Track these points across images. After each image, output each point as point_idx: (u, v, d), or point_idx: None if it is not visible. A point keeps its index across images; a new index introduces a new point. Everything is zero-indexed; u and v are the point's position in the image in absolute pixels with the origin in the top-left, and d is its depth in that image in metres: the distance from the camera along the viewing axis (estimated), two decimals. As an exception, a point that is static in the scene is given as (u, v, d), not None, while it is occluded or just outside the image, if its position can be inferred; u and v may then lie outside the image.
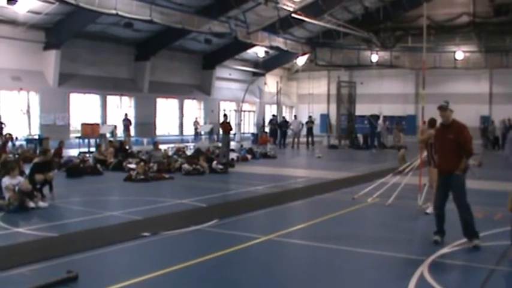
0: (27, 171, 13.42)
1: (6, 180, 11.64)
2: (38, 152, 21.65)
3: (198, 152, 23.12)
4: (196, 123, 42.84)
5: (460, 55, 46.43)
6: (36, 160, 13.96)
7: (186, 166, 18.82)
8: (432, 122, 12.13)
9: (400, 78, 51.14)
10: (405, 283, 6.76)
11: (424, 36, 14.02)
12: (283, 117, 42.03)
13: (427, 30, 14.53)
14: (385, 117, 35.34)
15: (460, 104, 43.04)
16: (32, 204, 11.49)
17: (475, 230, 8.56)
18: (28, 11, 30.49)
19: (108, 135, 28.57)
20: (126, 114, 34.76)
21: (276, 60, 51.68)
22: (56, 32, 33.25)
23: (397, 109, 48.93)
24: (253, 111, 53.15)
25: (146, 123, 40.36)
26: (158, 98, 42.49)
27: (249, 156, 25.15)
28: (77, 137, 28.22)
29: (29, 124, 32.28)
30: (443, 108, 8.85)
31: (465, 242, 8.65)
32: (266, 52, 48.84)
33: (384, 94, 50.36)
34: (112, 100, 38.80)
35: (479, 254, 8.26)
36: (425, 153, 12.12)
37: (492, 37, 45.75)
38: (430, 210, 11.43)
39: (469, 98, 44.24)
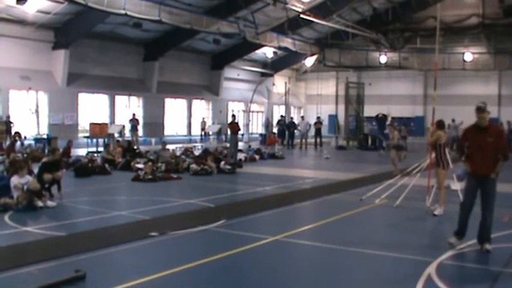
0: (35, 170, 13.47)
1: (15, 180, 11.68)
2: (46, 151, 21.75)
3: (206, 152, 23.13)
4: (203, 123, 42.88)
5: (468, 56, 46.24)
6: (44, 159, 14.01)
7: (194, 166, 18.82)
8: (441, 124, 12.09)
9: (409, 80, 51.04)
10: (413, 284, 6.74)
11: (437, 37, 13.94)
12: (291, 118, 42.00)
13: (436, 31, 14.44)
14: (393, 118, 35.19)
15: (468, 105, 42.79)
16: (40, 204, 11.52)
17: (490, 235, 8.47)
18: (37, 11, 30.65)
19: (116, 135, 28.64)
20: (133, 114, 34.83)
21: (285, 61, 51.67)
22: (64, 31, 33.41)
23: (405, 110, 48.85)
24: (262, 112, 53.16)
25: (154, 123, 40.47)
26: (166, 98, 42.62)
27: (257, 157, 25.09)
28: (85, 137, 28.30)
29: (38, 123, 32.43)
30: (481, 110, 8.47)
31: (473, 244, 8.61)
32: (274, 53, 48.81)
33: (392, 95, 50.23)
34: (120, 100, 38.93)
35: (487, 256, 8.22)
36: (433, 155, 12.08)
37: (501, 38, 45.55)
38: (438, 211, 11.41)
39: (478, 100, 43.27)
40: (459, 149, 9.03)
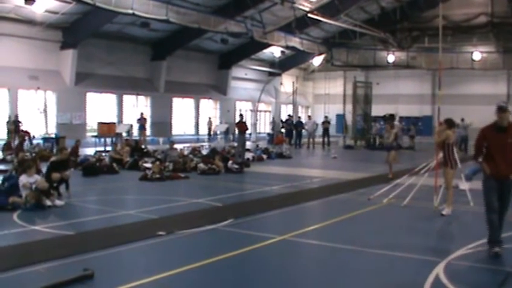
0: (44, 169, 13.51)
1: (24, 179, 11.73)
2: (54, 150, 21.82)
3: (213, 151, 23.14)
4: (209, 123, 42.89)
5: (477, 56, 46.02)
6: (53, 159, 14.06)
7: (201, 165, 18.84)
8: (450, 123, 11.99)
9: (417, 79, 50.89)
10: (421, 284, 6.72)
11: (440, 36, 13.88)
12: (299, 118, 41.96)
13: (444, 30, 14.37)
14: (401, 118, 35.07)
15: (477, 105, 42.84)
16: (48, 203, 11.56)
17: (501, 236, 8.38)
18: (45, 11, 30.79)
19: (124, 134, 28.71)
20: (141, 114, 34.92)
21: (292, 60, 51.64)
22: (72, 31, 33.51)
23: (413, 110, 48.71)
24: (269, 111, 53.14)
25: (162, 122, 40.54)
26: (174, 98, 42.71)
27: (264, 156, 25.09)
28: (93, 136, 28.41)
29: (46, 123, 32.54)
30: (503, 109, 8.12)
31: (482, 244, 8.55)
32: (282, 52, 48.81)
33: (400, 95, 50.08)
34: (128, 99, 39.02)
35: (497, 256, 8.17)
36: (441, 154, 12.02)
37: (510, 37, 45.28)
38: (446, 211, 11.36)
39: (486, 99, 43.48)
40: (476, 149, 8.65)
